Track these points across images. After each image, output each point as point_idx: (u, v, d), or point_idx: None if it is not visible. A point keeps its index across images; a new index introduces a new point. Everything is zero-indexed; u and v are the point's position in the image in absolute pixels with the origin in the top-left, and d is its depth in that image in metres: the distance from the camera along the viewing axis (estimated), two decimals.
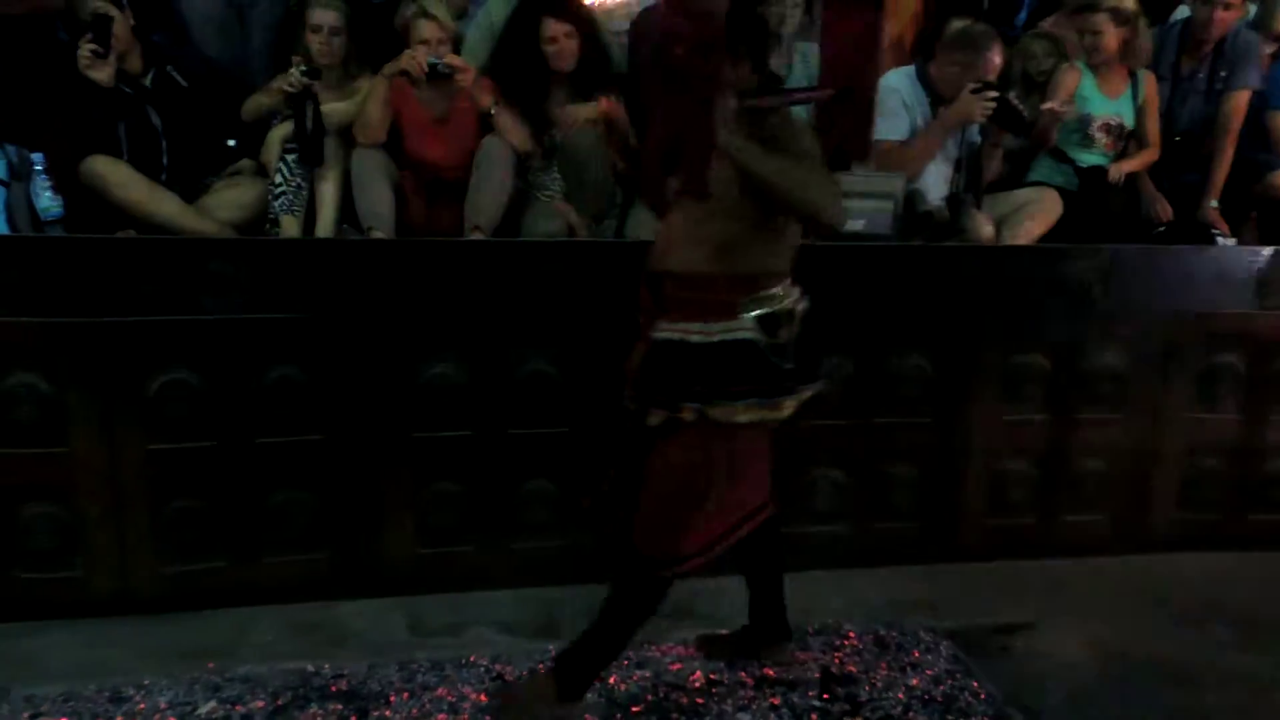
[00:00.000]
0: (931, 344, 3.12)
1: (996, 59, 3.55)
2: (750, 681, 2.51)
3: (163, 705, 2.35)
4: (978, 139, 3.65)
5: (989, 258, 3.26)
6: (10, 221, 2.85)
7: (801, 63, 3.88)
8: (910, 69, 3.71)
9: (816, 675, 2.55)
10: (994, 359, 3.17)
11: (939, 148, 3.58)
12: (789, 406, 2.16)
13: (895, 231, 3.27)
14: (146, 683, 2.42)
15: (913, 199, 3.41)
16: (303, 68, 3.12)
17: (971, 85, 3.43)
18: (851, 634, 2.76)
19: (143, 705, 2.35)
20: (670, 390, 2.15)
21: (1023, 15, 4.38)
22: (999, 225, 3.55)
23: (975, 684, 2.54)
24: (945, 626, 2.82)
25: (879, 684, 2.53)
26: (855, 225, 3.18)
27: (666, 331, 2.17)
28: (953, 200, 3.54)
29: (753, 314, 2.11)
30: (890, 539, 3.21)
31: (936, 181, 3.61)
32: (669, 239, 2.22)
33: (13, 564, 2.69)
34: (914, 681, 2.54)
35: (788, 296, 2.16)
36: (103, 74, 2.98)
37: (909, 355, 3.11)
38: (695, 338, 2.12)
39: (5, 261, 2.56)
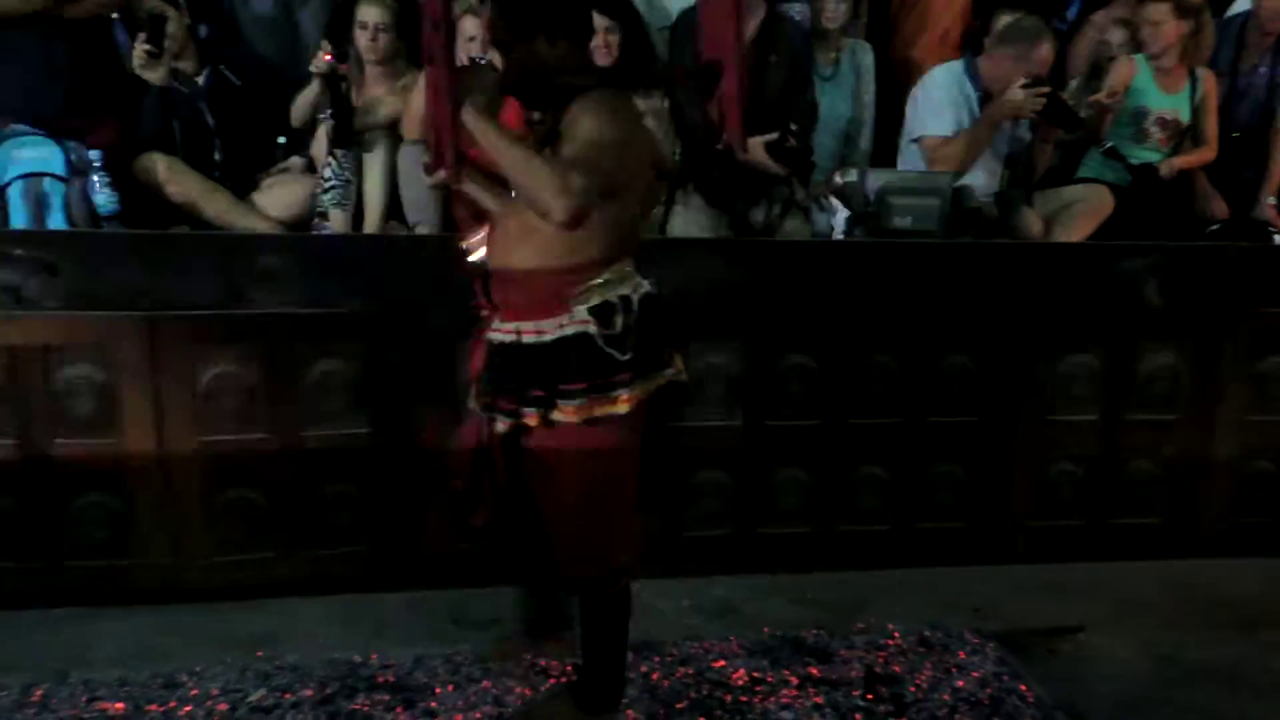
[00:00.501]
0: (979, 343, 3.09)
1: (1047, 53, 3.50)
2: (794, 680, 2.50)
3: (214, 692, 2.39)
4: (1027, 135, 3.60)
5: (1038, 255, 3.22)
6: (69, 217, 2.91)
7: (848, 58, 3.85)
8: (958, 64, 3.67)
9: (860, 674, 2.53)
10: (1043, 358, 3.12)
11: (987, 144, 3.53)
12: (628, 399, 2.05)
13: (942, 228, 3.23)
14: (198, 669, 2.47)
15: (960, 195, 3.37)
16: (328, 48, 3.15)
17: (1022, 80, 3.38)
18: (896, 634, 2.73)
19: (195, 691, 2.39)
20: (511, 395, 2.08)
21: (1074, 8, 4.31)
22: (1049, 222, 3.51)
23: (1023, 687, 2.51)
24: (991, 628, 2.79)
25: (924, 685, 2.51)
26: (903, 222, 3.16)
27: (503, 333, 2.09)
28: (1001, 197, 3.50)
29: (585, 306, 2.02)
30: (935, 539, 3.18)
31: (985, 177, 3.57)
32: (495, 234, 2.15)
33: (67, 552, 2.75)
34: (960, 683, 2.52)
35: (623, 283, 2.06)
36: (156, 74, 3.03)
37: (956, 354, 3.08)
38: (529, 338, 2.05)
39: (63, 256, 2.62)
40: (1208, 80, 3.76)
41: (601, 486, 2.11)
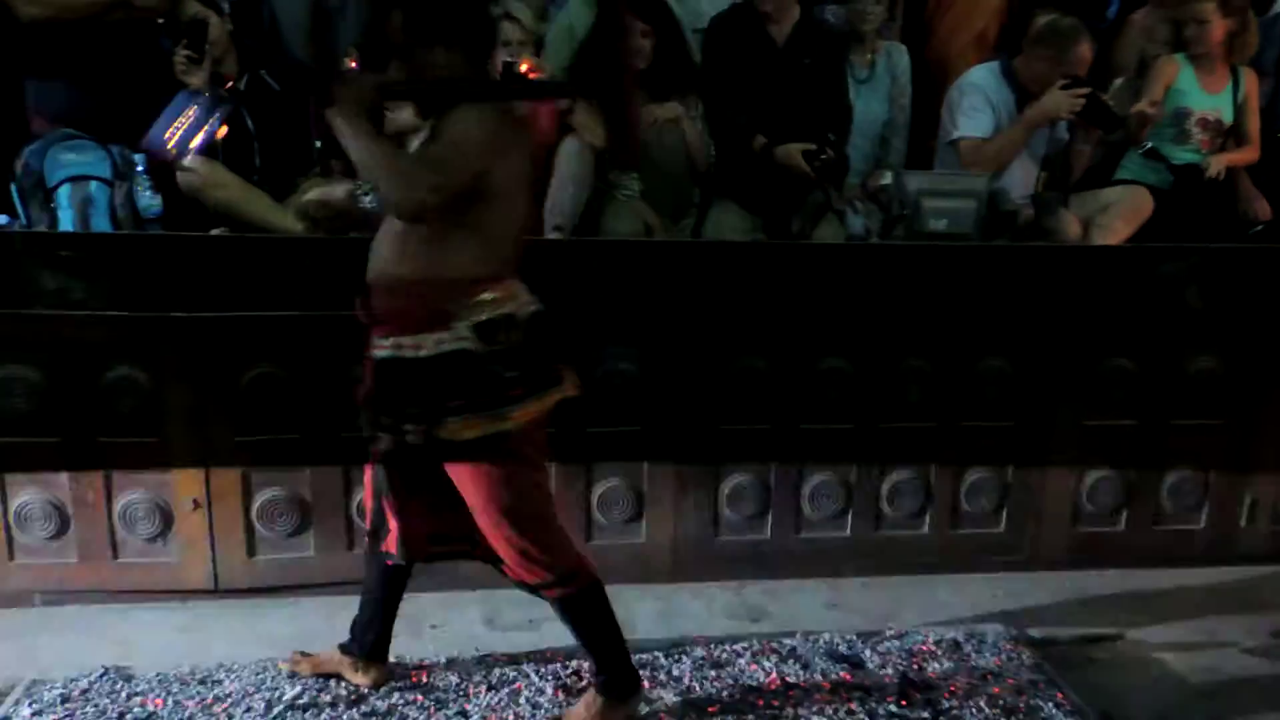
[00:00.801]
0: (1015, 346, 3.06)
1: (1086, 53, 3.47)
2: (827, 685, 2.49)
3: (250, 690, 2.42)
4: (1065, 136, 3.56)
5: (1076, 258, 3.18)
6: (114, 219, 2.96)
7: (884, 60, 3.83)
8: (995, 64, 3.64)
9: (894, 680, 2.52)
10: (1081, 362, 3.09)
11: (1024, 145, 3.50)
12: (518, 416, 2.04)
13: (978, 231, 3.21)
14: (236, 667, 2.50)
15: (996, 198, 3.34)
16: (354, 54, 3.17)
17: (1061, 80, 3.35)
18: (930, 640, 2.72)
19: (232, 689, 2.42)
20: (393, 412, 2.07)
21: (1114, 8, 4.25)
22: (1087, 224, 3.46)
23: (1059, 694, 2.48)
24: (1027, 635, 2.77)
25: (959, 691, 2.49)
26: (937, 225, 3.14)
27: (383, 349, 2.07)
28: (1038, 199, 3.46)
29: (468, 322, 2.01)
30: (971, 545, 3.16)
31: (1023, 179, 3.54)
32: (374, 245, 2.11)
33: (111, 549, 2.80)
34: (995, 690, 2.50)
35: (510, 300, 2.06)
36: (196, 79, 3.07)
37: (991, 358, 3.05)
38: (409, 353, 2.03)
39: (108, 258, 2.67)
40: (1250, 79, 3.70)
41: (511, 503, 2.11)
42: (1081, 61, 3.45)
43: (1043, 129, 3.51)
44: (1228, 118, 3.68)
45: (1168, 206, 3.57)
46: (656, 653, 2.61)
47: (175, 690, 2.41)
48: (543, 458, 2.22)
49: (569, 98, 2.17)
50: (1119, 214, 3.49)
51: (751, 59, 3.45)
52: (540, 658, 2.59)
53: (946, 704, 2.44)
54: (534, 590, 2.21)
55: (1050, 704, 2.45)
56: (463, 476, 2.11)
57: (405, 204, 1.95)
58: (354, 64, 3.17)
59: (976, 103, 3.54)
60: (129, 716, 2.32)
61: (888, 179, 3.47)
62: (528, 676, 2.50)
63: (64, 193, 2.92)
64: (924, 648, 2.68)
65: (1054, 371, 3.09)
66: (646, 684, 2.41)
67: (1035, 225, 3.39)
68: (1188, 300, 3.10)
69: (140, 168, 3.00)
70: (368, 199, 3.17)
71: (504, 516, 2.11)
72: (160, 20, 3.15)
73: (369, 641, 2.43)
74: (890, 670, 2.57)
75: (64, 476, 2.74)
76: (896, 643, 2.71)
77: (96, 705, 2.35)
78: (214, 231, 2.97)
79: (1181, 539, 3.24)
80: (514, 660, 2.57)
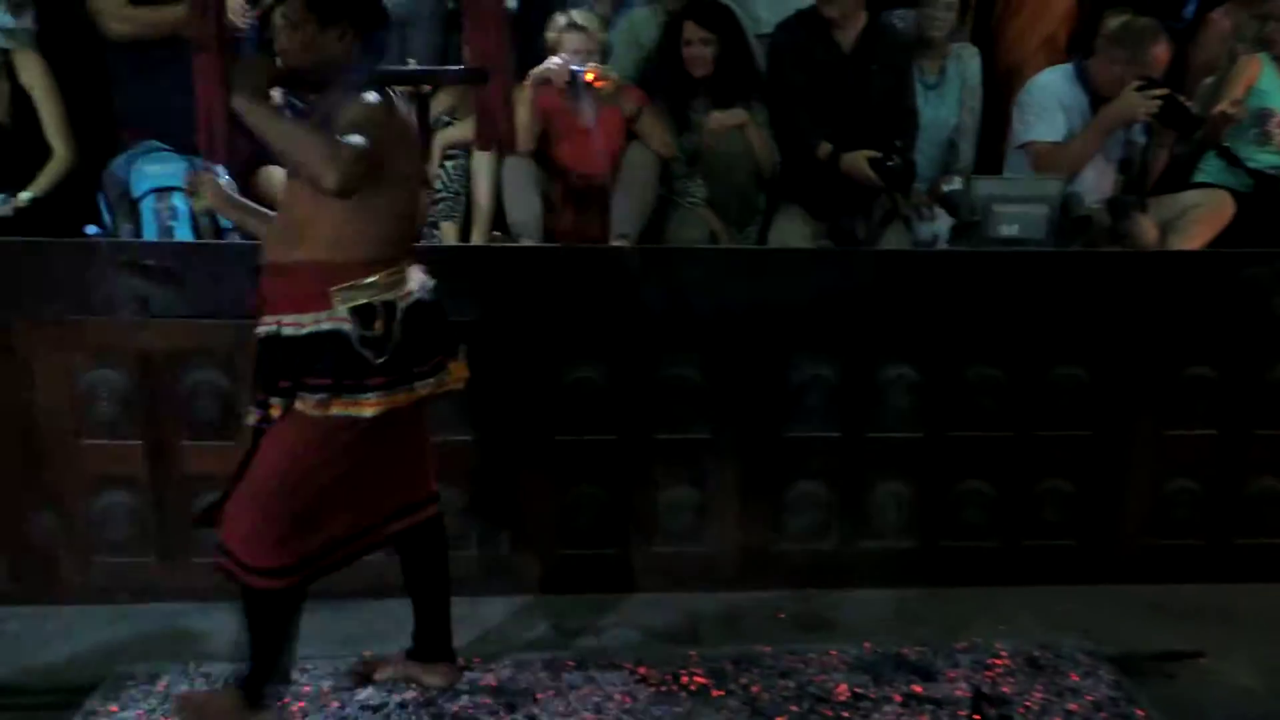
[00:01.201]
0: (1091, 354, 2.99)
1: (1162, 53, 3.39)
2: (898, 698, 2.46)
3: (325, 689, 2.46)
4: (1141, 138, 3.48)
5: (1153, 264, 3.10)
6: (195, 229, 3.05)
7: (954, 64, 3.79)
8: (1068, 67, 3.58)
9: (967, 694, 2.48)
10: (1160, 371, 3.01)
11: (1097, 149, 3.43)
12: (374, 404, 2.03)
13: (1051, 236, 3.14)
14: (309, 666, 2.55)
15: (1070, 202, 3.28)
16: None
17: (1136, 82, 3.27)
18: (1004, 654, 2.66)
19: (307, 688, 2.47)
20: (264, 386, 2.08)
21: (1191, 7, 4.14)
22: (1164, 229, 3.38)
23: (1139, 711, 2.42)
24: (1105, 650, 2.70)
25: (1034, 707, 2.43)
26: (1009, 230, 3.09)
27: (266, 325, 2.08)
28: (1114, 203, 3.39)
29: (346, 305, 2.02)
30: (1043, 557, 3.09)
31: (1097, 183, 3.47)
32: (268, 230, 2.18)
33: (189, 549, 2.87)
34: (1072, 706, 2.44)
35: (395, 287, 2.07)
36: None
37: (1067, 366, 2.99)
38: (288, 330, 2.04)
39: (190, 267, 2.75)
40: None
41: (295, 476, 2.06)
42: (1157, 62, 3.38)
43: (1118, 132, 3.44)
44: None
45: (1249, 210, 3.47)
46: (724, 661, 2.60)
47: None
48: (392, 451, 2.19)
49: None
50: (1198, 218, 3.40)
51: (817, 65, 3.43)
52: (607, 663, 2.59)
53: (1020, 718, 2.39)
54: (222, 556, 2.11)
55: None
56: (275, 436, 2.07)
57: (337, 176, 1.90)
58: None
59: (1048, 105, 3.48)
60: None
61: (957, 184, 3.43)
62: (594, 681, 2.51)
63: (148, 203, 3.02)
64: (997, 661, 2.63)
65: (1132, 380, 3.01)
66: (716, 693, 2.41)
67: (1111, 230, 3.31)
68: (1272, 307, 3.00)
69: (221, 178, 3.09)
70: (438, 209, 3.21)
71: (275, 482, 2.06)
72: (242, 33, 3.24)
73: (423, 640, 2.46)
74: (962, 683, 2.52)
75: (146, 478, 2.83)
76: (968, 655, 2.66)
77: None
78: None
79: (1266, 554, 3.13)
80: (581, 665, 2.58)
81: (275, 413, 2.06)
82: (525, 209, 3.31)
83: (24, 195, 3.15)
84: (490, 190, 3.39)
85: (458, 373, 2.23)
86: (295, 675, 2.51)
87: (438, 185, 3.31)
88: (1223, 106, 3.46)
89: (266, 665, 2.23)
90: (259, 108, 1.98)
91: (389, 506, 2.29)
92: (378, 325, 2.04)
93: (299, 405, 2.03)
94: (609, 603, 2.93)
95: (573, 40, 3.37)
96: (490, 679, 2.52)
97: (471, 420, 2.88)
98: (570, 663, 2.59)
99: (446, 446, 2.86)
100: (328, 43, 2.08)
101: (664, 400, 2.92)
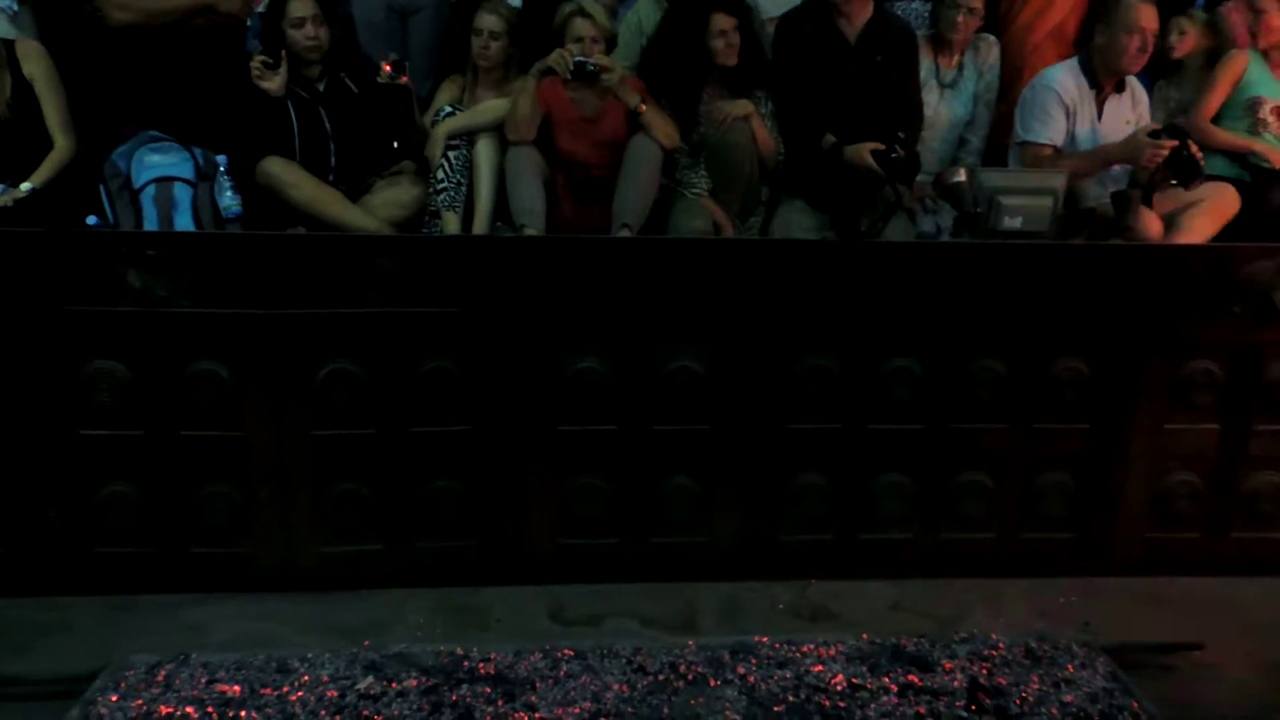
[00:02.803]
0: (1092, 347, 2.98)
1: (1148, 21, 3.36)
2: (895, 688, 2.46)
3: (325, 678, 2.47)
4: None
5: (1155, 257, 3.09)
6: (196, 219, 3.05)
7: (970, 56, 3.77)
8: (1073, 61, 3.57)
9: (963, 685, 2.48)
10: (1160, 364, 3.00)
11: (1093, 174, 3.42)
12: None
13: (1054, 229, 3.14)
14: (310, 656, 2.55)
15: (1074, 195, 3.27)
16: (392, 58, 3.22)
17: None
18: (1001, 644, 2.66)
19: (307, 677, 2.48)
20: None
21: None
22: (1168, 223, 3.37)
23: (1135, 704, 2.42)
24: (1101, 642, 2.70)
25: (1030, 698, 2.44)
26: (1013, 223, 3.08)
27: None
28: (1117, 197, 3.38)
29: None
30: (1042, 549, 3.09)
31: (1100, 175, 3.45)
32: None
33: (189, 539, 2.88)
34: (1068, 698, 2.44)
35: None
36: (273, 84, 3.15)
37: (1067, 359, 2.98)
38: None
39: (190, 257, 2.75)
40: None
41: None
42: (1145, 31, 3.34)
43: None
44: None
45: (1252, 202, 3.46)
46: (722, 651, 2.60)
47: (252, 678, 2.47)
48: None
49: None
50: (1203, 211, 3.40)
51: (823, 56, 3.42)
52: (605, 652, 2.60)
53: (1017, 710, 2.40)
54: None
55: (1125, 713, 2.39)
56: None
57: None
58: (388, 68, 3.20)
59: (1049, 107, 3.45)
60: (208, 702, 2.39)
61: (962, 176, 3.41)
62: (592, 670, 2.52)
63: (149, 193, 3.03)
64: (993, 652, 2.63)
65: (1133, 373, 3.00)
66: (713, 682, 2.42)
67: (1114, 223, 3.31)
68: (1273, 301, 2.99)
69: (222, 168, 3.10)
70: (439, 199, 3.20)
71: None
72: (248, 23, 3.24)
73: None
74: (959, 674, 2.53)
75: (146, 468, 2.83)
76: (965, 646, 2.66)
77: (177, 691, 2.42)
78: (291, 230, 3.04)
79: (1264, 547, 3.13)
80: (580, 654, 2.59)
81: None
82: (528, 199, 3.31)
83: (24, 186, 3.15)
84: (492, 180, 3.39)
85: None
86: (295, 665, 2.53)
87: (439, 175, 3.31)
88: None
89: None
90: None
91: None
92: None
93: None
94: (608, 592, 2.94)
95: (579, 27, 3.37)
96: (489, 668, 2.53)
97: (472, 410, 2.88)
98: (569, 652, 2.60)
99: (447, 435, 2.88)
100: None
101: (666, 392, 2.92)
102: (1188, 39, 3.75)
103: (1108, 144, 3.38)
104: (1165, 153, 3.24)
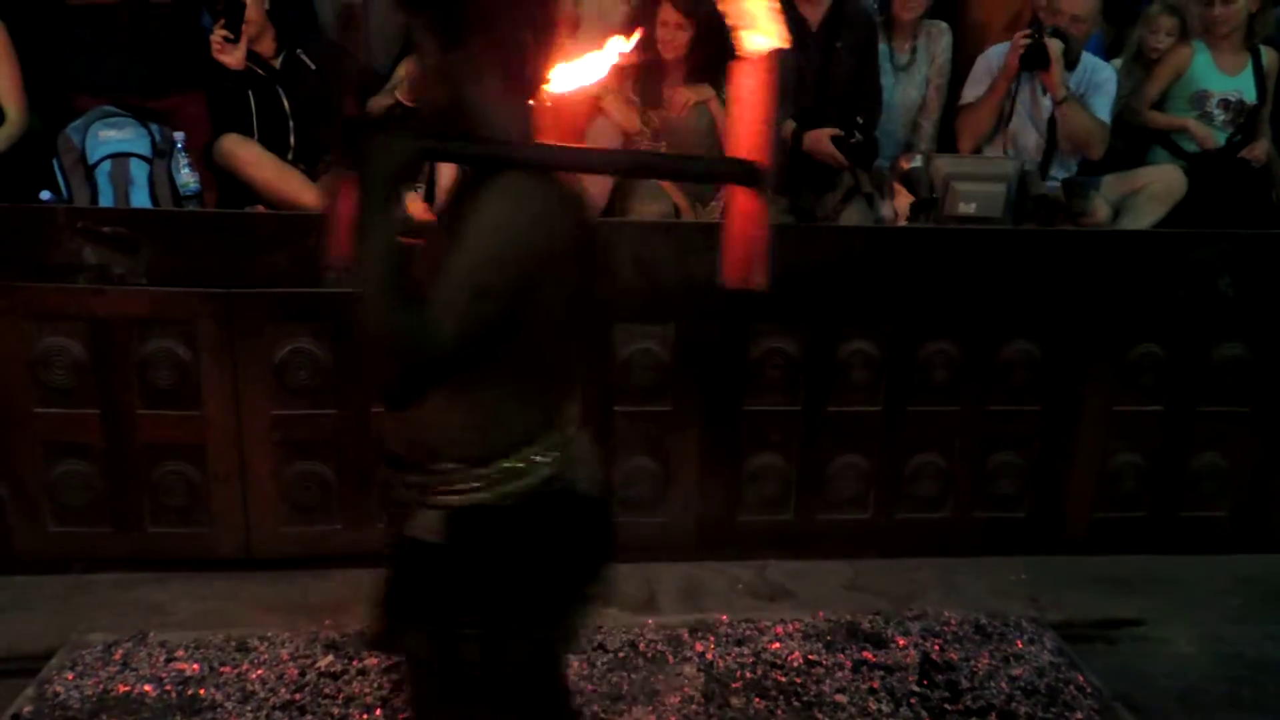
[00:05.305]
0: (1043, 331, 3.05)
1: None
2: (849, 664, 2.52)
3: (284, 656, 2.48)
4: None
5: (1105, 242, 3.17)
6: (153, 196, 3.01)
7: (924, 42, 3.79)
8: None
9: (916, 660, 2.54)
10: (1109, 348, 3.08)
11: (1000, 97, 3.48)
12: None
13: (1008, 215, 3.20)
14: (269, 635, 2.56)
15: (1027, 181, 3.33)
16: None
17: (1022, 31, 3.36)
18: (952, 621, 2.73)
19: (266, 656, 2.48)
20: None
21: None
22: (1118, 208, 3.45)
23: (1080, 677, 2.50)
24: (1049, 618, 2.78)
25: (980, 673, 2.51)
26: (967, 208, 3.14)
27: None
28: (1069, 184, 3.45)
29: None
30: (993, 528, 3.16)
31: (1027, 145, 3.51)
32: None
33: (147, 518, 2.86)
34: (1017, 672, 2.52)
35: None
36: (233, 58, 3.11)
37: (1019, 342, 3.05)
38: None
39: (148, 234, 2.72)
40: (1271, 57, 3.69)
41: None
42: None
43: (1045, 104, 3.47)
44: (1250, 97, 3.65)
45: (1200, 188, 3.54)
46: (681, 629, 2.64)
47: (211, 656, 2.48)
48: None
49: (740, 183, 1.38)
50: (1152, 195, 3.47)
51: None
52: None
53: (967, 684, 2.46)
54: None
55: (1071, 686, 2.46)
56: None
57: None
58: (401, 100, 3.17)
59: (979, 73, 3.54)
60: (166, 681, 2.38)
61: (918, 162, 3.46)
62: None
63: (104, 169, 2.98)
64: (945, 629, 2.70)
65: (1083, 356, 3.08)
66: (672, 660, 2.46)
67: (1065, 209, 3.37)
68: (1219, 287, 3.08)
69: (179, 145, 3.06)
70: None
71: None
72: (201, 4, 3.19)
73: None
74: (912, 650, 2.59)
75: (102, 447, 2.80)
76: (918, 623, 2.73)
77: (135, 669, 2.42)
78: (249, 209, 3.02)
79: (1207, 526, 3.22)
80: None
81: None
82: None
83: None
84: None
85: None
86: (255, 643, 2.53)
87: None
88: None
89: None
90: (368, 199, 1.26)
91: None
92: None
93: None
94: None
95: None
96: None
97: None
98: None
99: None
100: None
101: (625, 373, 2.94)
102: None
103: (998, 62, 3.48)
104: (1026, 42, 3.31)
